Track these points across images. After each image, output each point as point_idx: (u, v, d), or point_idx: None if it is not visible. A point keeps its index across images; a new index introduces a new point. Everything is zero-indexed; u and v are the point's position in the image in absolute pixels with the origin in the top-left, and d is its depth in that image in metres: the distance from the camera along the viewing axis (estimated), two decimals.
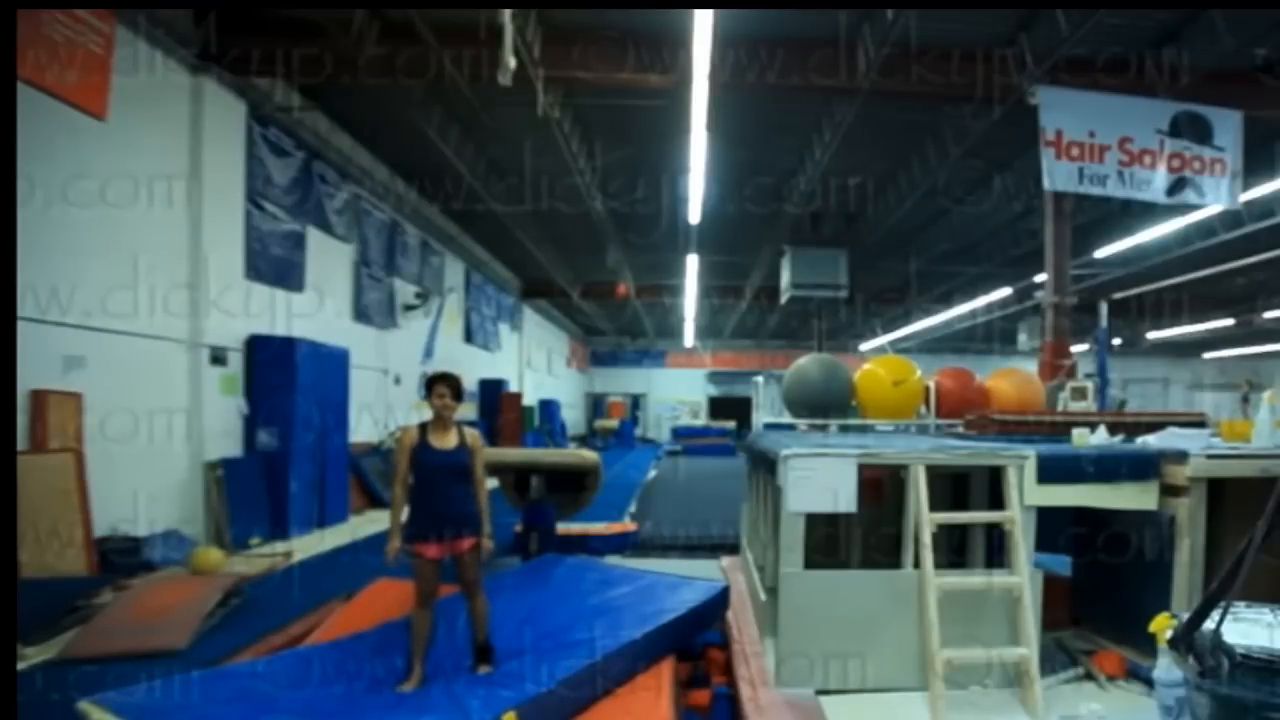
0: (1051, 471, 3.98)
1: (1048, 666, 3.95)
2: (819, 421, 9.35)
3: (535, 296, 22.61)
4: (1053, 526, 4.27)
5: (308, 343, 8.96)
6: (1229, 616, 2.65)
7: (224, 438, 8.07)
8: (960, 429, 7.28)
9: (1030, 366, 10.52)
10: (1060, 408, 8.30)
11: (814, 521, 4.17)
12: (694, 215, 12.39)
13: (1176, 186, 8.31)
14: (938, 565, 3.90)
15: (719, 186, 11.54)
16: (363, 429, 10.78)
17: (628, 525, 8.82)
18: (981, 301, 19.69)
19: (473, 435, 4.20)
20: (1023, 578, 3.86)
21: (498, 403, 17.72)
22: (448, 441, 4.09)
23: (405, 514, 4.08)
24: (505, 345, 20.24)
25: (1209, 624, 2.65)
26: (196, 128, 7.68)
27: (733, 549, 7.14)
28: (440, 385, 4.12)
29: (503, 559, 7.09)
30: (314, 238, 9.98)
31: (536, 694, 3.44)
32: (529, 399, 21.48)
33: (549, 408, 23.79)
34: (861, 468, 4.02)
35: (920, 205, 12.59)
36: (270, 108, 8.78)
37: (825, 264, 14.76)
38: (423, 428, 4.11)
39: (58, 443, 5.91)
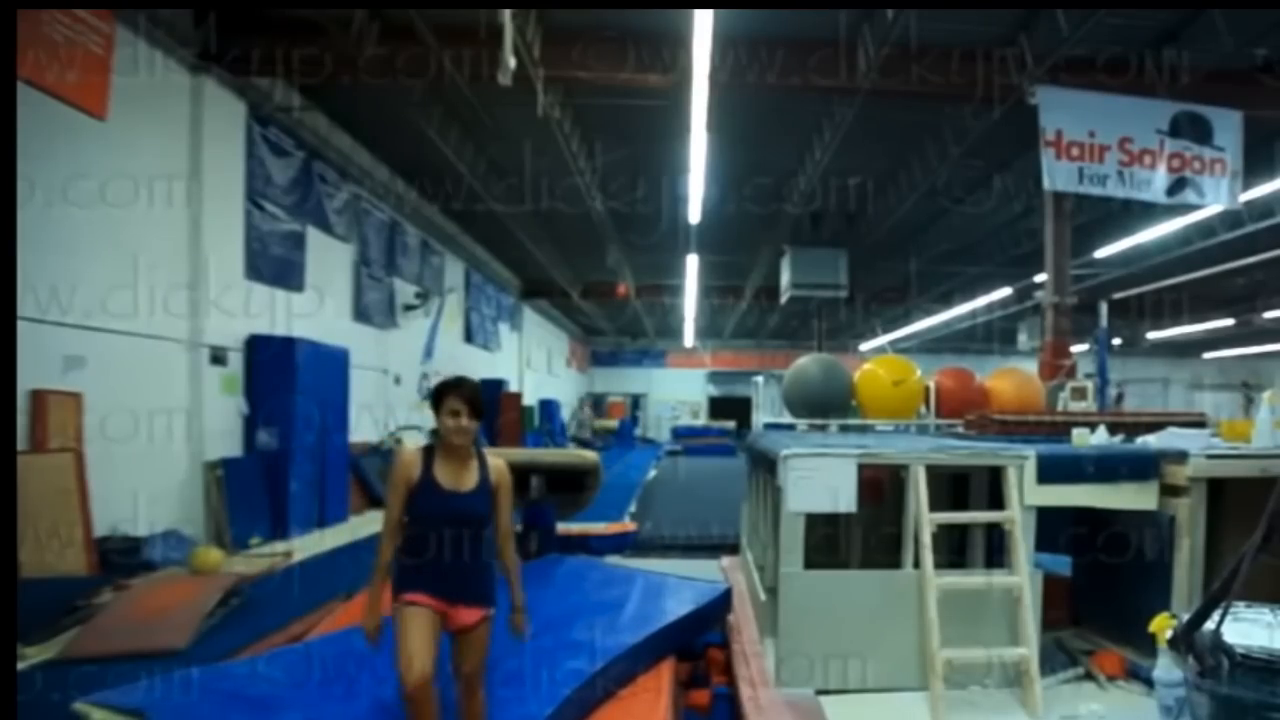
0: (1051, 471, 3.98)
1: (1048, 666, 3.95)
2: (819, 421, 9.34)
3: (535, 296, 22.61)
4: (1053, 526, 4.27)
5: (308, 343, 8.96)
6: (1229, 616, 2.66)
7: (224, 438, 8.07)
8: (960, 429, 7.27)
9: (1030, 366, 10.50)
10: (1060, 408, 8.29)
11: (814, 521, 4.16)
12: (694, 215, 12.39)
13: (1176, 186, 8.31)
14: (938, 565, 3.89)
15: (719, 186, 11.54)
16: (363, 429, 10.79)
17: (628, 525, 8.82)
18: (981, 301, 19.71)
19: (499, 470, 3.05)
20: (1023, 578, 3.85)
21: (498, 403, 17.71)
22: (464, 480, 2.93)
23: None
24: (505, 345, 20.24)
25: (1209, 624, 2.66)
26: (196, 128, 7.68)
27: (733, 549, 7.14)
28: (452, 398, 2.91)
29: None
30: (314, 238, 9.98)
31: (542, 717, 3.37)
32: (529, 399, 21.48)
33: (549, 408, 23.79)
34: (861, 468, 4.01)
35: (920, 205, 12.60)
36: (270, 108, 8.78)
37: (825, 264, 14.77)
38: (428, 454, 2.94)
39: (58, 443, 5.90)
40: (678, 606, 4.63)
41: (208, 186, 7.75)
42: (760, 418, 12.67)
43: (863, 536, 5.11)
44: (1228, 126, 8.30)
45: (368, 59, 7.58)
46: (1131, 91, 8.09)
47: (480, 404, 2.98)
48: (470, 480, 2.95)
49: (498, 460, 3.10)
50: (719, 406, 32.14)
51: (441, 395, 2.95)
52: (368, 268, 11.83)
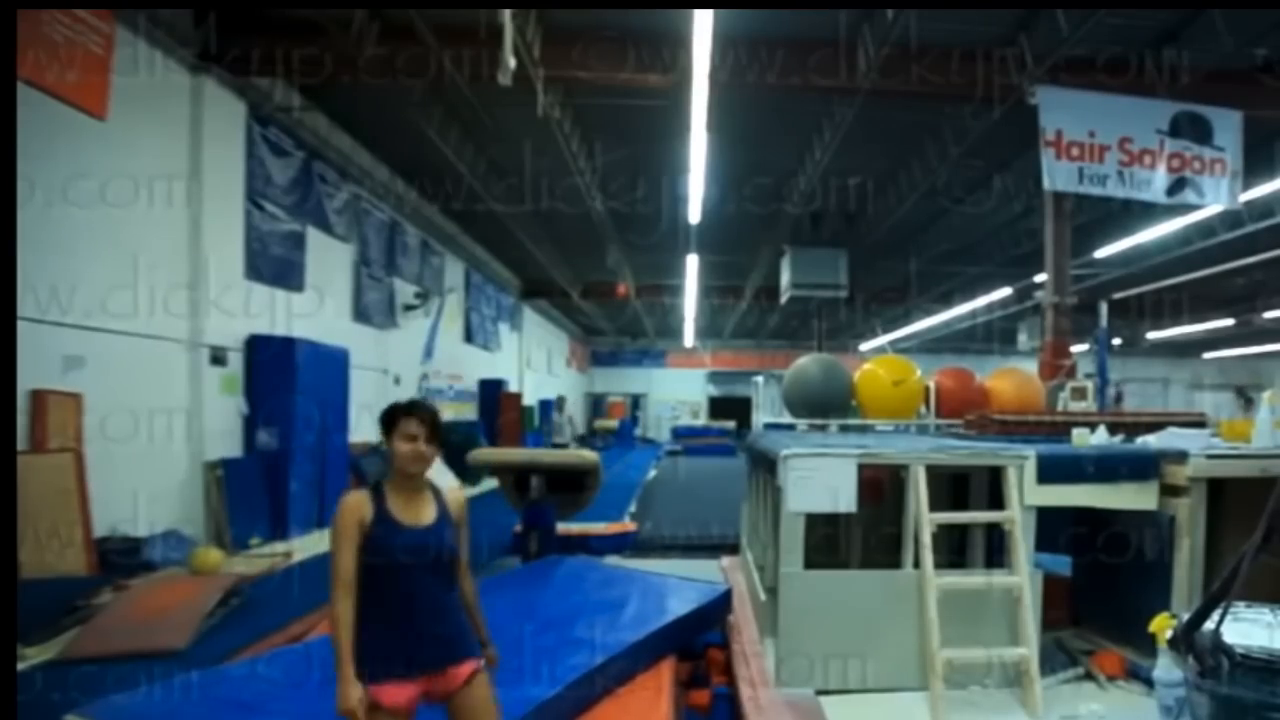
0: (1051, 471, 3.98)
1: (1048, 666, 3.96)
2: (819, 421, 9.34)
3: (535, 296, 22.60)
4: (1053, 526, 4.27)
5: (308, 343, 8.96)
6: (1229, 616, 2.66)
7: (224, 438, 8.07)
8: (960, 429, 7.27)
9: (1030, 366, 10.50)
10: (1060, 408, 8.29)
11: (814, 521, 4.17)
12: (694, 215, 12.38)
13: (1176, 186, 8.31)
14: (938, 565, 3.90)
15: (719, 186, 11.53)
16: (363, 429, 10.76)
17: (628, 525, 8.83)
18: (981, 301, 19.70)
19: (457, 501, 2.75)
20: (1023, 578, 3.86)
21: (498, 403, 17.72)
22: (423, 514, 2.60)
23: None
24: (505, 345, 20.23)
25: (1209, 624, 2.66)
26: (196, 128, 7.68)
27: (733, 549, 7.15)
28: (408, 420, 2.58)
29: (503, 559, 7.10)
30: (314, 238, 9.98)
31: (539, 702, 3.39)
32: (529, 399, 21.47)
33: (549, 408, 23.77)
34: (861, 468, 4.02)
35: (920, 205, 12.59)
36: (270, 108, 8.77)
37: (825, 264, 14.76)
38: (376, 492, 2.58)
39: (58, 443, 5.90)
40: (678, 606, 4.64)
41: (208, 186, 7.74)
42: (760, 418, 12.66)
43: (863, 536, 5.12)
44: (1228, 126, 8.29)
45: (368, 59, 7.57)
46: (1131, 91, 8.08)
47: (440, 429, 2.64)
48: (429, 514, 2.62)
49: (454, 492, 2.81)
50: (719, 406, 32.10)
51: (394, 418, 2.60)
52: (368, 268, 11.82)
